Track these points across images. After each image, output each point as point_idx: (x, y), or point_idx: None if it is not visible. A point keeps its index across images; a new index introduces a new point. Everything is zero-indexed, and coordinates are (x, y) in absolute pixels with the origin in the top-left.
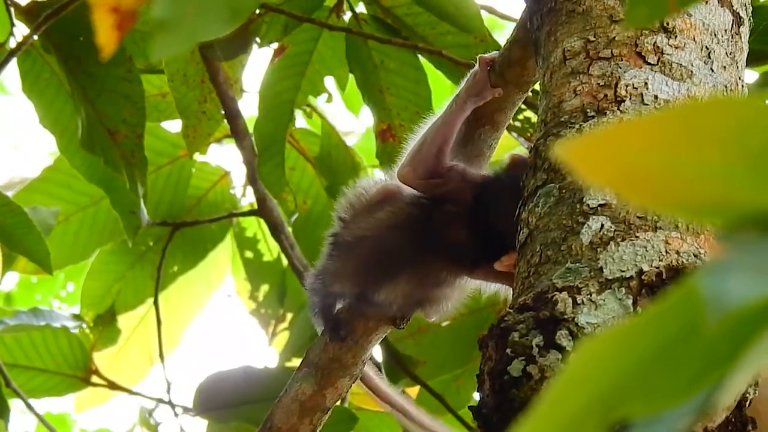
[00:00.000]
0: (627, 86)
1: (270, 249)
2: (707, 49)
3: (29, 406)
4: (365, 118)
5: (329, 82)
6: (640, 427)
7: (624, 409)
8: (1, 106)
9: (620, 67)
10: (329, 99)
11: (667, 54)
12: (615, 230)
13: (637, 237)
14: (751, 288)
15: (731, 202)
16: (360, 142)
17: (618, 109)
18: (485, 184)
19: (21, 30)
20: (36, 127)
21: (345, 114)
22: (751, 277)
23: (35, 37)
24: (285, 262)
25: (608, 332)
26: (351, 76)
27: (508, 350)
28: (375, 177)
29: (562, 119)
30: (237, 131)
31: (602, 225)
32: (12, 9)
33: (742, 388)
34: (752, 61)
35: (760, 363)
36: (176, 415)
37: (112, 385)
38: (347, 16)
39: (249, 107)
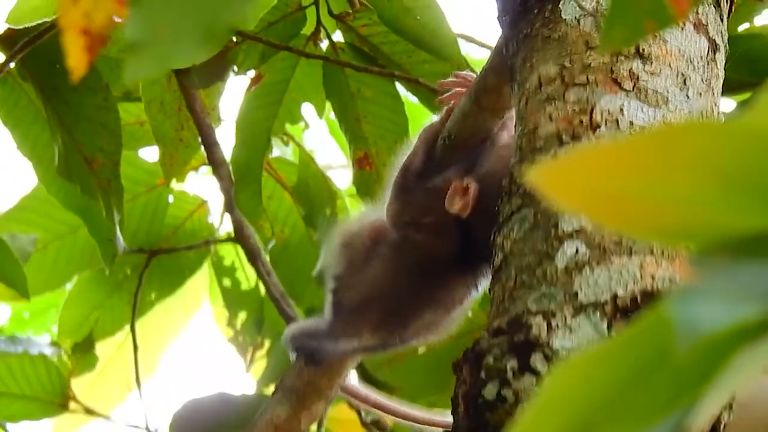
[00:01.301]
0: (602, 112)
1: (248, 277)
2: (683, 75)
3: None
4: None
5: (310, 111)
6: None
7: None
8: None
9: (596, 93)
10: (306, 126)
11: (643, 80)
12: (590, 255)
13: (612, 262)
14: (721, 314)
15: (703, 226)
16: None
17: (593, 134)
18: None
19: None
20: (18, 159)
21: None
22: (722, 302)
23: (12, 65)
24: (263, 290)
25: (581, 356)
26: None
27: (483, 374)
28: (358, 216)
29: (537, 145)
30: (214, 159)
31: (577, 250)
32: None
33: (716, 412)
34: (729, 89)
35: (731, 387)
36: None
37: (90, 411)
38: (324, 44)
39: (226, 135)
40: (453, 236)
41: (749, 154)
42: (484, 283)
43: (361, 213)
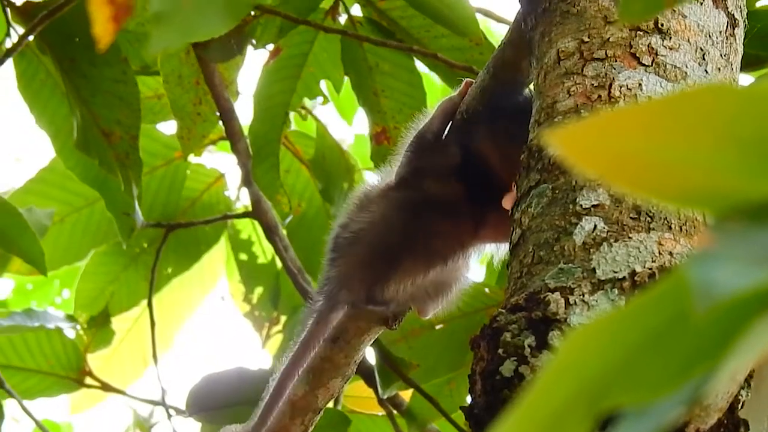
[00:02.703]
0: (621, 87)
1: (264, 251)
2: (702, 50)
3: (24, 408)
4: (357, 127)
5: (323, 86)
6: (628, 418)
7: (611, 400)
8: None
9: (614, 68)
10: (324, 101)
11: (662, 55)
12: (608, 231)
13: (630, 238)
14: (740, 277)
15: (721, 190)
16: (353, 147)
17: (612, 110)
18: (470, 130)
19: (17, 31)
20: (39, 140)
21: (337, 122)
22: (740, 266)
23: (31, 38)
24: (279, 264)
25: (596, 322)
26: (345, 81)
27: (500, 350)
28: (369, 181)
29: (556, 120)
30: (232, 133)
31: (595, 226)
32: (8, 10)
33: (735, 390)
34: (747, 65)
35: (749, 355)
36: (170, 416)
37: (106, 387)
38: (343, 18)
39: (244, 109)
40: (460, 190)
41: (766, 118)
42: (476, 255)
43: (377, 177)
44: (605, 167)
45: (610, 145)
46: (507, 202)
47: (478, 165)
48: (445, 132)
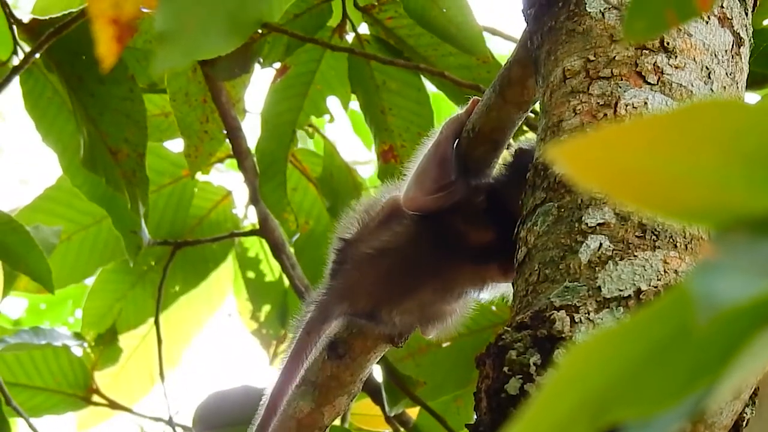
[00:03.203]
0: (627, 106)
1: (272, 269)
2: (707, 69)
3: (30, 426)
4: None
5: (336, 105)
6: (630, 431)
7: (614, 413)
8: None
9: (620, 87)
10: (331, 119)
11: (667, 74)
12: (613, 249)
13: (635, 256)
14: (742, 288)
15: (725, 204)
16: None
17: (616, 125)
18: (496, 179)
19: (23, 49)
20: (45, 161)
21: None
22: (743, 277)
23: (37, 56)
24: (287, 282)
25: (598, 336)
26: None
27: (506, 368)
28: (377, 195)
29: (561, 138)
30: (239, 151)
31: (601, 244)
32: (15, 27)
33: (739, 408)
34: (753, 84)
35: (752, 368)
36: None
37: (113, 405)
38: (350, 36)
39: (251, 127)
40: (483, 228)
41: None
42: (491, 287)
43: (381, 190)
44: (610, 182)
45: (614, 160)
46: None
47: (505, 208)
48: (453, 150)
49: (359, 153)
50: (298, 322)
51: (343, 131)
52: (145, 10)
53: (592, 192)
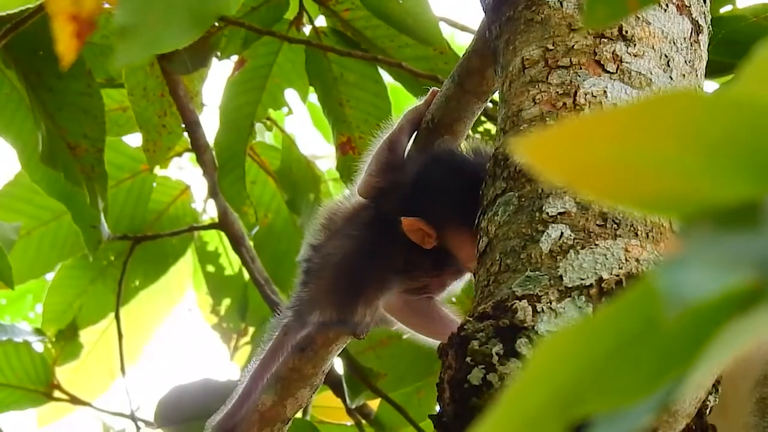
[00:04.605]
0: (586, 94)
1: (231, 263)
2: (666, 57)
3: None
4: None
5: (294, 98)
6: (599, 425)
7: (583, 408)
8: None
9: (579, 76)
10: (290, 112)
11: (626, 62)
12: (574, 238)
13: (596, 245)
14: (708, 283)
15: (689, 196)
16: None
17: (578, 117)
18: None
19: None
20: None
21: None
22: (709, 270)
23: None
24: (246, 276)
25: (566, 331)
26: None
27: (468, 359)
28: (339, 197)
29: (521, 128)
30: (197, 145)
31: (562, 233)
32: None
33: (702, 396)
34: (712, 72)
35: (719, 361)
36: (138, 429)
37: (75, 400)
38: (307, 29)
39: (209, 121)
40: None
41: (733, 124)
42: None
43: (345, 194)
44: (572, 175)
45: (576, 153)
46: (404, 226)
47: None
48: (410, 143)
49: (318, 146)
50: (276, 322)
51: (302, 125)
52: (105, 6)
53: (554, 184)
